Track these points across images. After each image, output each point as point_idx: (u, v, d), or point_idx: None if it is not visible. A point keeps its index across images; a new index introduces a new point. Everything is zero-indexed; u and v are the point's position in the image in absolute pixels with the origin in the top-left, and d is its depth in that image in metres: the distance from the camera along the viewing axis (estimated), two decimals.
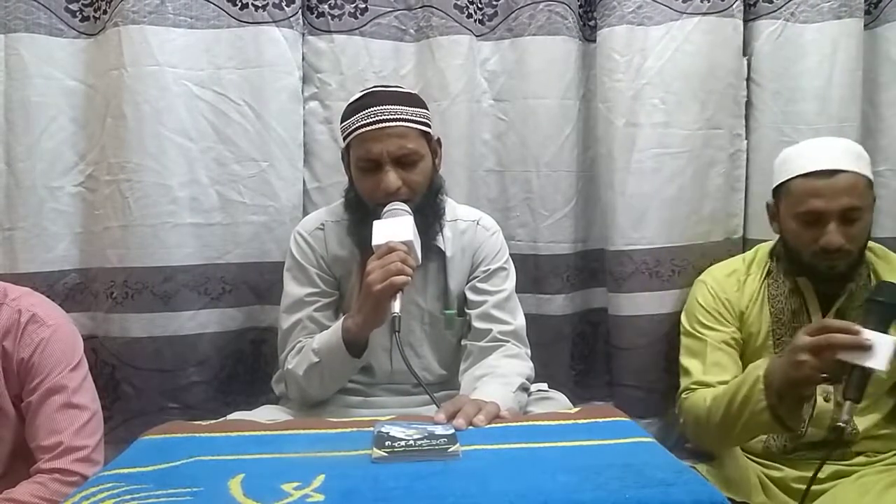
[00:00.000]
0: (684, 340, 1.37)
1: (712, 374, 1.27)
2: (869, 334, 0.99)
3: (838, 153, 1.22)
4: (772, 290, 1.30)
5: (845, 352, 0.99)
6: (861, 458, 1.23)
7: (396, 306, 1.07)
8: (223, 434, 0.96)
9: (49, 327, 1.14)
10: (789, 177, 1.24)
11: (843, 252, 1.19)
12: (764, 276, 1.33)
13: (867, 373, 0.99)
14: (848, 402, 0.99)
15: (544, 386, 1.34)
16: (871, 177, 1.23)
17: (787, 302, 1.28)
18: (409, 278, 1.08)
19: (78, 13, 1.47)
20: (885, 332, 1.01)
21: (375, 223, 1.13)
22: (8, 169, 1.43)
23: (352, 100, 1.24)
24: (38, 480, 1.06)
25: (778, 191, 1.28)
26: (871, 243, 1.30)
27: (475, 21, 1.59)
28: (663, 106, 1.53)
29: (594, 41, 1.60)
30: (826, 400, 1.23)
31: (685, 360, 1.34)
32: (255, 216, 1.51)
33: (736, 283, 1.34)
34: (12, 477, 1.11)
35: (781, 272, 1.30)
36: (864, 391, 0.99)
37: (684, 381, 1.33)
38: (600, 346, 1.68)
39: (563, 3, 1.57)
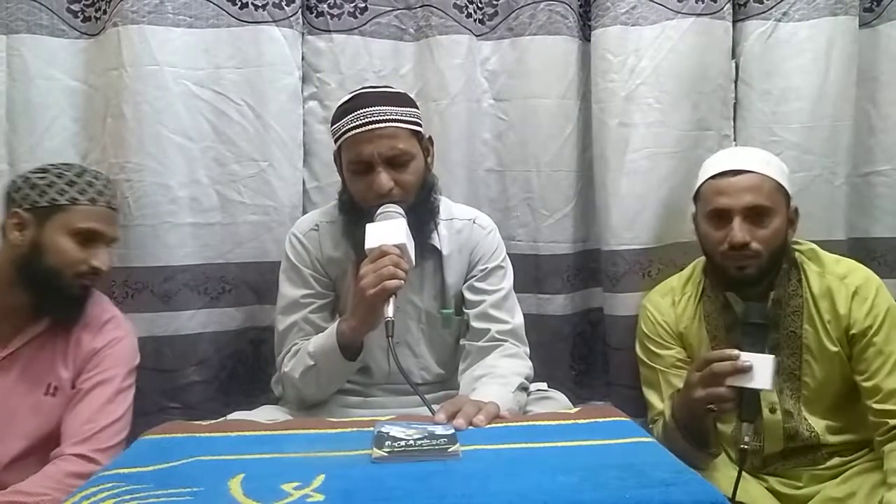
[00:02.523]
0: (641, 370, 1.39)
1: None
2: (747, 356, 1.05)
3: (745, 157, 1.27)
4: (706, 307, 1.31)
5: (731, 378, 1.05)
6: (835, 460, 1.23)
7: (390, 310, 1.07)
8: (223, 434, 0.96)
9: (123, 331, 1.26)
10: (701, 182, 1.28)
11: (750, 252, 1.19)
12: (699, 293, 1.33)
13: (755, 392, 1.05)
14: (745, 423, 1.05)
15: (544, 385, 1.34)
16: (782, 183, 1.24)
17: (720, 317, 1.29)
18: (402, 282, 1.08)
19: (80, 13, 1.47)
20: (762, 351, 1.07)
21: (368, 226, 1.13)
22: (11, 169, 1.43)
23: (341, 102, 1.23)
24: (49, 472, 1.10)
25: (695, 198, 1.32)
26: (804, 245, 1.30)
27: (475, 21, 1.59)
28: (658, 106, 1.53)
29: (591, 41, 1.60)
30: (772, 411, 1.24)
31: (645, 392, 1.37)
32: (254, 216, 1.51)
33: (671, 304, 1.35)
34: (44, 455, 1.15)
35: (713, 288, 1.31)
36: (758, 409, 1.08)
37: (649, 413, 1.35)
38: (600, 346, 1.68)
39: (563, 2, 1.57)
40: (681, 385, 1.22)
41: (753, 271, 1.20)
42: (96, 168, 1.45)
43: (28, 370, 1.18)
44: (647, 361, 1.36)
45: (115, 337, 1.23)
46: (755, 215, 1.20)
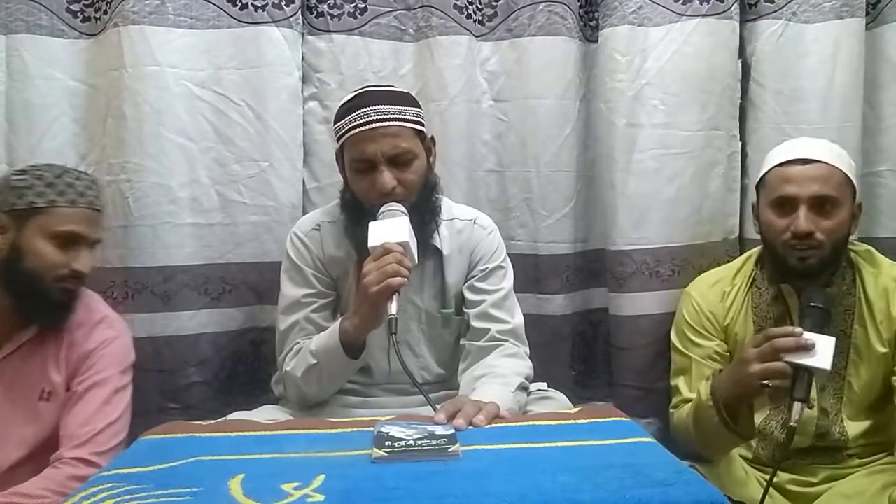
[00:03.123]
0: (674, 357, 1.38)
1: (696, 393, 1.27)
2: (809, 336, 1.05)
3: (815, 146, 1.25)
4: (755, 299, 1.30)
5: (790, 354, 1.04)
6: (854, 461, 1.23)
7: (393, 308, 1.07)
8: (223, 434, 0.96)
9: (115, 330, 1.24)
10: (767, 169, 1.27)
11: (814, 242, 1.18)
12: (748, 284, 1.32)
13: (811, 373, 1.04)
14: (797, 403, 1.03)
15: (544, 385, 1.34)
16: (850, 176, 1.23)
17: (770, 310, 1.28)
18: (406, 280, 1.08)
19: (79, 14, 1.47)
20: (823, 334, 1.06)
21: (371, 224, 1.13)
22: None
23: (344, 100, 1.23)
24: (48, 474, 1.09)
25: (759, 186, 1.30)
26: (859, 246, 1.30)
27: (475, 21, 1.59)
28: (663, 107, 1.53)
29: (595, 41, 1.60)
30: (809, 407, 1.23)
31: (674, 379, 1.36)
32: (254, 216, 1.51)
33: (720, 294, 1.33)
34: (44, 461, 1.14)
35: (765, 279, 1.30)
36: (810, 391, 1.04)
37: (674, 399, 1.34)
38: (600, 346, 1.68)
39: (562, 3, 1.57)
40: (702, 386, 1.21)
41: (815, 262, 1.19)
42: (95, 168, 1.46)
43: (20, 376, 1.17)
44: (682, 349, 1.34)
45: (107, 337, 1.21)
46: (821, 206, 1.19)
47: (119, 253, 1.45)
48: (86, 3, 1.47)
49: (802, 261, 1.19)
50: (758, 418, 1.25)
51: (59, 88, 1.45)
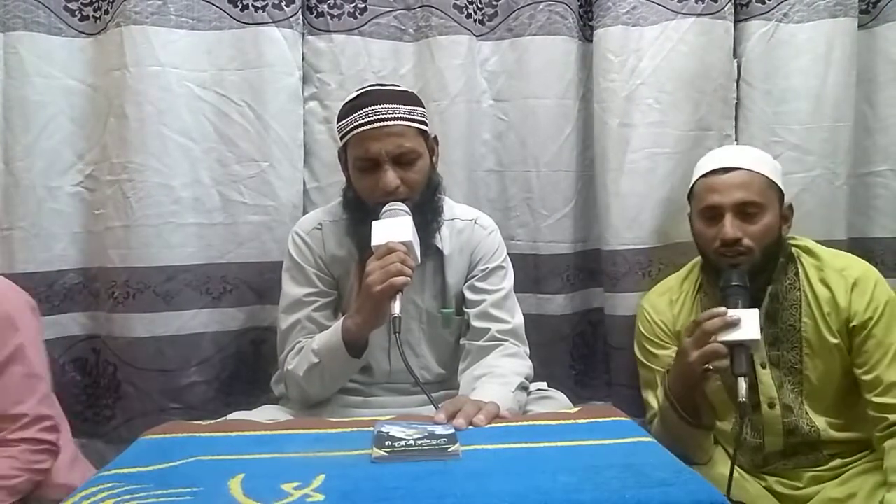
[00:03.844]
0: (639, 371, 1.39)
1: None
2: (733, 312, 1.10)
3: (735, 155, 1.29)
4: (703, 304, 1.31)
5: (722, 333, 1.09)
6: (837, 461, 1.23)
7: (396, 307, 1.07)
8: (223, 434, 0.96)
9: None
10: (694, 180, 1.30)
11: (742, 248, 1.20)
12: (696, 290, 1.34)
13: (746, 346, 1.09)
14: (740, 379, 1.07)
15: (543, 385, 1.34)
16: (774, 180, 1.25)
17: None
18: (409, 279, 1.08)
19: (77, 12, 1.47)
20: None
21: (374, 224, 1.13)
22: (6, 168, 1.43)
23: (348, 98, 1.23)
24: (9, 453, 1.09)
25: (689, 198, 1.33)
26: (801, 241, 1.31)
27: (475, 21, 1.59)
28: (658, 106, 1.53)
29: (592, 41, 1.60)
30: (771, 406, 1.24)
31: (644, 393, 1.37)
32: (255, 216, 1.51)
33: (668, 302, 1.36)
34: None
35: (710, 285, 1.31)
36: (749, 364, 1.10)
37: (647, 414, 1.35)
38: (600, 346, 1.68)
39: (563, 3, 1.57)
40: (658, 392, 1.23)
41: (746, 268, 1.21)
42: (94, 168, 1.46)
43: None
44: (645, 362, 1.36)
45: None
46: (746, 212, 1.22)
47: (120, 253, 1.45)
48: (84, 2, 1.46)
49: (734, 267, 1.21)
50: (727, 427, 1.27)
51: (57, 87, 1.44)
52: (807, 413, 1.24)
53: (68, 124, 1.46)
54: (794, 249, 1.29)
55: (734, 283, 1.15)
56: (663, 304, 1.36)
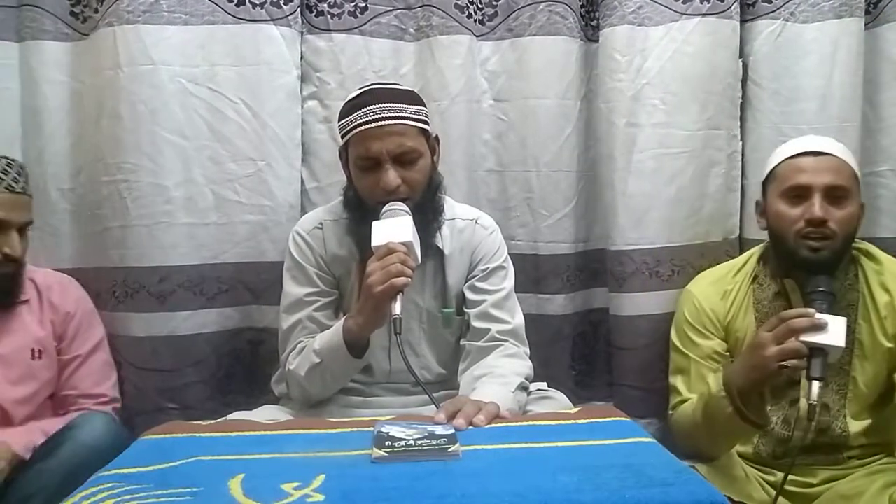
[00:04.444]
0: (673, 356, 1.37)
1: (697, 392, 1.26)
2: (820, 315, 1.07)
3: (825, 141, 1.27)
4: (757, 296, 1.30)
5: (805, 334, 1.06)
6: (854, 462, 1.23)
7: (397, 308, 1.07)
8: (223, 434, 0.96)
9: (81, 290, 1.39)
10: (777, 162, 1.27)
11: (827, 231, 1.19)
12: (750, 281, 1.32)
13: (826, 352, 1.06)
14: (814, 383, 1.04)
15: (543, 385, 1.34)
16: (857, 172, 1.25)
17: (772, 306, 1.28)
18: (410, 280, 1.08)
19: (80, 15, 1.47)
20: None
21: (374, 224, 1.13)
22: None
23: (350, 97, 1.23)
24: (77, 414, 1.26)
25: (766, 181, 1.30)
26: (861, 244, 1.30)
27: (475, 21, 1.59)
28: (663, 106, 1.53)
29: (596, 41, 1.60)
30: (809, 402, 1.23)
31: (672, 378, 1.35)
32: (251, 216, 1.51)
33: (721, 292, 1.33)
34: (41, 418, 1.29)
35: (768, 276, 1.30)
36: (826, 370, 1.06)
37: (672, 399, 1.34)
38: (600, 346, 1.68)
39: (563, 3, 1.57)
40: (711, 379, 1.20)
41: (828, 254, 1.19)
42: (96, 168, 1.46)
43: (7, 341, 1.26)
44: (682, 348, 1.34)
45: (81, 295, 1.37)
46: (834, 196, 1.20)
47: (118, 253, 1.45)
48: (84, 3, 1.47)
49: (815, 251, 1.19)
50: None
51: (64, 91, 1.46)
52: (844, 416, 1.23)
53: (76, 127, 1.48)
54: (854, 251, 1.28)
55: (822, 289, 1.12)
56: (715, 294, 1.33)
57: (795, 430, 1.08)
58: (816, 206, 1.18)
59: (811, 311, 1.08)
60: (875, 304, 1.23)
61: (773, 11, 1.55)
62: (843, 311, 1.21)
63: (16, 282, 1.27)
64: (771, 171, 1.28)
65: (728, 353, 1.30)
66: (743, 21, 1.57)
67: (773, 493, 1.22)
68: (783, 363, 1.07)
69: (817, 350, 1.06)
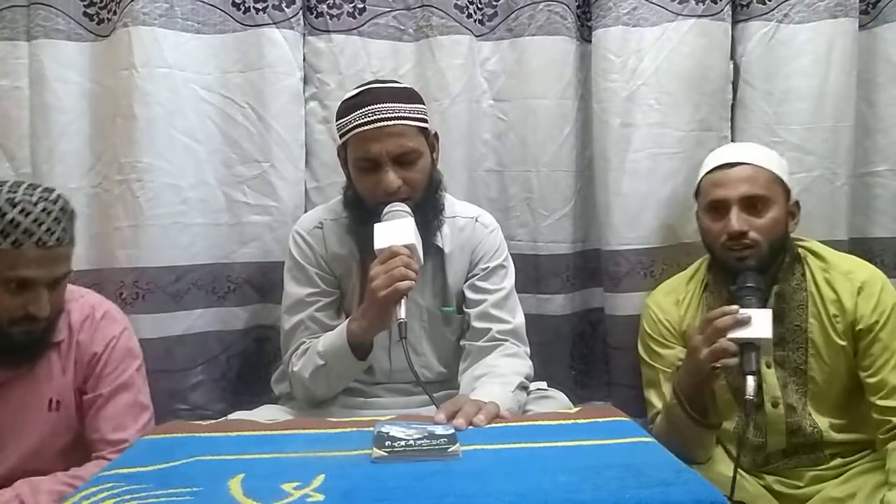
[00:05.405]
0: (642, 369, 1.39)
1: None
2: (745, 311, 1.10)
3: (742, 150, 1.30)
4: (709, 303, 1.31)
5: (733, 331, 1.09)
6: (838, 461, 1.23)
7: (402, 312, 1.06)
8: (223, 434, 0.96)
9: (120, 325, 1.21)
10: (700, 177, 1.31)
11: (748, 241, 1.21)
12: (702, 288, 1.34)
13: (756, 346, 1.08)
14: (749, 378, 1.06)
15: (543, 384, 1.34)
16: (780, 175, 1.26)
17: None
18: (414, 283, 1.07)
19: (94, 17, 1.48)
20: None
21: (376, 226, 1.12)
22: (33, 172, 1.45)
23: (348, 96, 1.22)
24: (103, 465, 1.08)
25: (696, 195, 1.34)
26: (808, 243, 1.31)
27: (475, 21, 1.59)
28: (658, 107, 1.53)
29: (591, 41, 1.60)
30: (774, 406, 1.24)
31: (646, 392, 1.37)
32: (257, 216, 1.52)
33: (674, 301, 1.35)
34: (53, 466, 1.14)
35: (717, 283, 1.31)
36: (759, 363, 1.09)
37: (649, 413, 1.35)
38: (600, 345, 1.68)
39: (562, 3, 1.57)
40: (666, 389, 1.22)
41: (754, 262, 1.21)
42: (109, 168, 1.45)
43: (26, 391, 1.14)
44: (649, 360, 1.36)
45: (114, 334, 1.19)
46: (752, 205, 1.22)
47: (128, 253, 1.44)
48: (100, 5, 1.47)
49: (741, 261, 1.22)
50: (729, 426, 1.27)
51: (76, 91, 1.46)
52: (810, 414, 1.24)
53: (87, 127, 1.48)
54: (800, 250, 1.29)
55: (748, 285, 1.15)
56: (669, 304, 1.36)
57: (752, 408, 1.08)
58: (733, 220, 1.22)
59: (733, 307, 1.10)
60: (824, 303, 1.24)
61: (767, 13, 1.55)
62: (794, 311, 1.25)
63: (44, 340, 1.12)
64: (698, 185, 1.32)
65: None
66: (736, 22, 1.58)
67: (767, 493, 1.22)
68: (715, 364, 1.09)
69: (747, 345, 1.08)
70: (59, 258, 1.08)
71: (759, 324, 1.08)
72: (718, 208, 1.25)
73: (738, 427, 1.26)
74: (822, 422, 1.23)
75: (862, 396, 1.22)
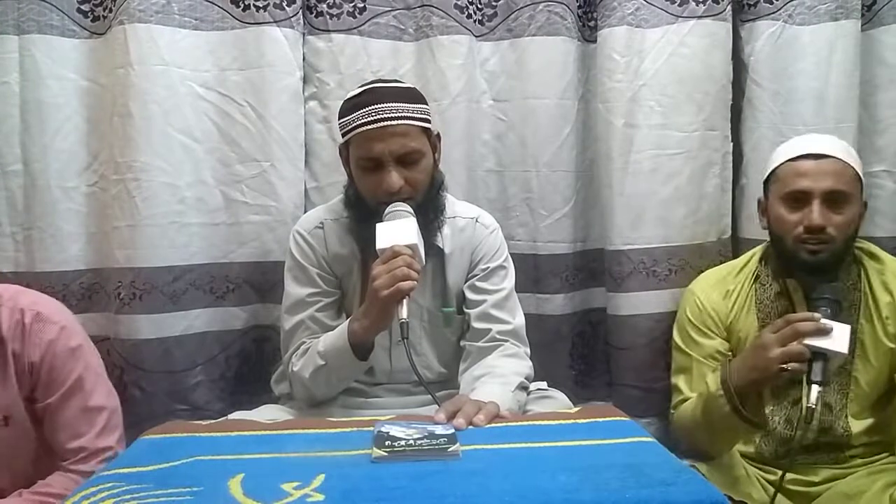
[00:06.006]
0: (675, 355, 1.38)
1: (698, 391, 1.27)
2: (826, 321, 1.08)
3: (827, 142, 1.26)
4: (758, 295, 1.30)
5: (809, 339, 1.06)
6: (857, 461, 1.24)
7: (404, 312, 1.06)
8: (223, 434, 0.96)
9: (55, 325, 1.10)
10: (778, 163, 1.27)
11: (826, 237, 1.19)
12: (752, 280, 1.33)
13: (827, 358, 1.06)
14: (814, 387, 1.04)
15: (543, 384, 1.34)
16: (860, 173, 1.24)
17: (774, 305, 1.28)
18: (416, 283, 1.07)
19: (89, 13, 1.47)
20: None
21: (378, 226, 1.12)
22: (24, 169, 1.44)
23: (351, 95, 1.22)
24: (71, 477, 1.08)
25: (768, 181, 1.30)
26: (864, 244, 1.31)
27: (475, 21, 1.59)
28: (660, 108, 1.54)
29: (594, 42, 1.60)
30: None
31: (675, 377, 1.36)
32: (256, 216, 1.52)
33: (723, 292, 1.34)
34: (44, 476, 1.10)
35: (770, 275, 1.30)
36: (827, 375, 1.06)
37: (674, 398, 1.34)
38: (600, 345, 1.68)
39: (562, 3, 1.57)
40: (710, 378, 1.20)
41: (826, 256, 1.20)
42: (106, 167, 1.45)
43: None
44: (684, 347, 1.34)
45: (49, 340, 1.08)
46: (834, 200, 1.20)
47: (126, 253, 1.44)
48: (95, 2, 1.47)
49: (814, 254, 1.20)
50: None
51: (71, 88, 1.45)
52: (846, 416, 1.24)
53: (83, 125, 1.47)
54: (857, 251, 1.28)
55: (827, 296, 1.13)
56: (717, 293, 1.34)
57: (798, 431, 1.07)
58: (815, 214, 1.19)
59: (817, 315, 1.08)
60: (877, 305, 1.23)
61: (774, 12, 1.56)
62: (845, 310, 1.22)
63: None
64: (773, 172, 1.28)
65: (730, 353, 1.31)
66: (744, 21, 1.58)
67: (771, 493, 1.22)
68: (784, 365, 1.07)
69: (819, 354, 1.06)
70: None
71: (839, 337, 1.06)
72: (798, 199, 1.21)
73: (769, 420, 1.23)
74: (855, 425, 1.23)
75: (890, 399, 1.21)
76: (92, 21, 1.47)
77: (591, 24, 1.61)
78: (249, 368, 1.55)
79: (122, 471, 0.82)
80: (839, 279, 1.24)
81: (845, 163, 1.22)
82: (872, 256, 1.28)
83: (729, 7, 1.55)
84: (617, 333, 1.58)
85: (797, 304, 1.25)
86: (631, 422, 0.99)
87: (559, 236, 1.62)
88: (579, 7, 1.61)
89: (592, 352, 1.70)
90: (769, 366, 1.08)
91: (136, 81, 1.41)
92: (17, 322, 1.08)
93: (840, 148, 1.25)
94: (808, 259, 1.20)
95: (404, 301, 1.06)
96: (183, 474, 0.81)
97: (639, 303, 1.54)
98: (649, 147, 1.54)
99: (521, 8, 1.58)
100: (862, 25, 1.59)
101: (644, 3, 1.52)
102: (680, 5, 1.53)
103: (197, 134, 1.47)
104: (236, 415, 1.20)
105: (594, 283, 1.68)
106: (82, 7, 1.46)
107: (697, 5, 1.53)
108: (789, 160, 1.24)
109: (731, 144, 1.60)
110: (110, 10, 1.44)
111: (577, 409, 1.10)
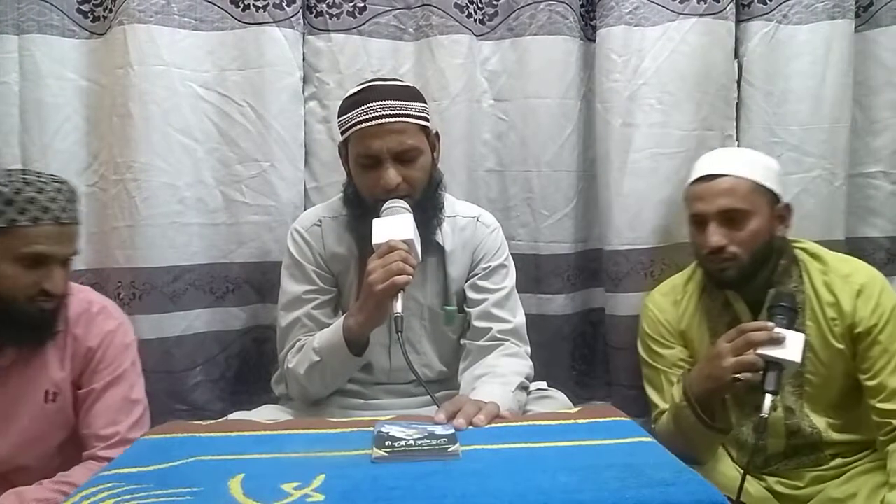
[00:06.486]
0: (643, 369, 1.39)
1: (669, 402, 1.27)
2: (780, 331, 1.08)
3: (724, 160, 1.29)
4: (707, 305, 1.32)
5: (763, 348, 1.07)
6: (838, 461, 1.24)
7: (398, 306, 1.06)
8: (223, 434, 0.96)
9: (115, 320, 1.22)
10: (685, 187, 1.32)
11: (727, 255, 1.21)
12: (700, 290, 1.34)
13: (782, 367, 1.07)
14: (768, 396, 1.05)
15: (543, 384, 1.34)
16: (763, 183, 1.24)
17: (721, 315, 1.29)
18: (411, 278, 1.07)
19: (89, 14, 1.47)
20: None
21: (375, 221, 1.12)
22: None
23: (350, 93, 1.22)
24: (92, 467, 1.10)
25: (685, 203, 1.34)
26: (807, 244, 1.30)
27: (475, 20, 1.59)
28: (660, 106, 1.54)
29: (595, 41, 1.60)
30: (773, 408, 1.23)
31: (648, 391, 1.37)
32: (256, 216, 1.52)
33: (673, 302, 1.36)
34: (68, 466, 1.14)
35: (713, 287, 1.31)
36: (779, 385, 1.07)
37: (652, 412, 1.35)
38: (600, 346, 1.68)
39: (563, 2, 1.57)
40: (674, 390, 1.22)
41: (733, 273, 1.22)
42: (106, 167, 1.45)
43: (23, 381, 1.15)
44: (649, 360, 1.36)
45: (110, 329, 1.20)
46: (731, 219, 1.22)
47: (126, 253, 1.44)
48: (95, 2, 1.47)
49: (721, 272, 1.23)
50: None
51: (71, 88, 1.46)
52: (808, 415, 1.24)
53: (83, 125, 1.47)
54: (798, 252, 1.28)
55: (783, 304, 1.13)
56: (667, 304, 1.36)
57: (760, 441, 1.08)
58: (710, 235, 1.22)
59: (770, 324, 1.09)
60: (822, 306, 1.23)
61: (768, 13, 1.56)
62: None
63: (54, 318, 1.14)
64: (685, 194, 1.32)
65: (691, 360, 1.32)
66: (738, 21, 1.58)
67: (769, 496, 1.23)
68: (737, 375, 1.08)
69: (773, 364, 1.06)
70: (72, 236, 1.13)
71: (792, 346, 1.07)
72: (699, 221, 1.25)
73: (737, 432, 1.25)
74: (820, 422, 1.23)
75: (860, 398, 1.21)
76: (92, 21, 1.47)
77: (593, 23, 1.61)
78: (249, 369, 1.55)
79: (122, 471, 0.82)
80: (778, 283, 1.24)
81: (739, 178, 1.23)
82: (815, 257, 1.28)
83: (731, 6, 1.54)
84: (615, 333, 1.58)
85: (741, 312, 1.26)
86: (631, 422, 0.99)
87: (561, 236, 1.62)
88: (581, 6, 1.61)
89: (593, 352, 1.70)
90: (723, 375, 1.10)
91: (136, 82, 1.41)
92: (85, 311, 1.20)
93: (738, 162, 1.26)
94: (718, 277, 1.24)
95: (399, 296, 1.06)
96: (183, 474, 0.81)
97: (637, 303, 1.54)
98: (649, 146, 1.54)
99: (522, 7, 1.58)
100: (859, 27, 1.60)
101: (644, 0, 1.52)
102: (681, 3, 1.53)
103: (197, 134, 1.47)
104: (236, 415, 1.20)
105: (595, 284, 1.68)
106: (82, 7, 1.46)
107: (699, 3, 1.53)
108: (691, 183, 1.29)
109: (736, 144, 1.60)
110: (110, 11, 1.45)
111: (576, 409, 1.10)
